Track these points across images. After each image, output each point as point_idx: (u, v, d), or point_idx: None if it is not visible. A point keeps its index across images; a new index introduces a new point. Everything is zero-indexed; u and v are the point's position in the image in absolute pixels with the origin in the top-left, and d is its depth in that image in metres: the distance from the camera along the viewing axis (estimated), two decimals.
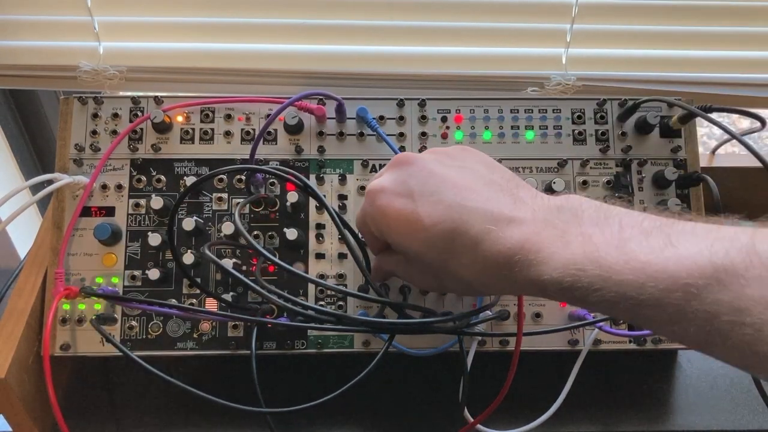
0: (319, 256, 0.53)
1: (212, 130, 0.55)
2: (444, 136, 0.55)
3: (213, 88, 0.68)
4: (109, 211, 0.53)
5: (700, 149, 0.57)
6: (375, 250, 0.46)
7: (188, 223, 0.51)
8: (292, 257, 0.53)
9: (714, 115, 0.52)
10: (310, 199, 0.53)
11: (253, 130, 0.55)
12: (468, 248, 0.34)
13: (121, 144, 0.54)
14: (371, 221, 0.41)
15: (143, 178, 0.54)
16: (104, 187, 0.53)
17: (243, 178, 0.53)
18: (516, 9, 0.66)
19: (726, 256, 0.26)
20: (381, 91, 0.67)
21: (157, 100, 0.55)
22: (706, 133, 1.52)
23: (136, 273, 0.52)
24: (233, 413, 0.45)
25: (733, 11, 0.66)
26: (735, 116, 0.64)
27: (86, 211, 0.53)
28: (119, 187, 0.54)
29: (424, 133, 0.55)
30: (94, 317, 0.51)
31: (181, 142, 0.55)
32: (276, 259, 0.41)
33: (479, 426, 0.50)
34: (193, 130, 0.55)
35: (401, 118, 0.55)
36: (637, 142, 0.55)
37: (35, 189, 0.52)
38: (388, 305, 0.48)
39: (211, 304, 0.52)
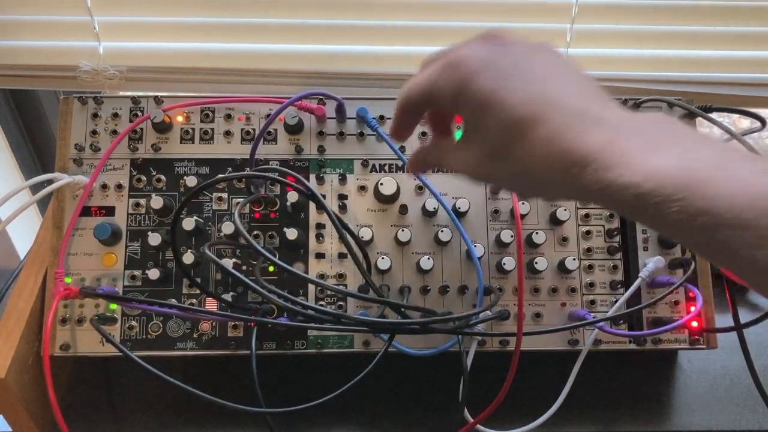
0: (319, 256, 0.53)
1: (212, 130, 0.55)
2: None
3: (213, 88, 0.68)
4: (109, 211, 0.53)
5: None
6: (401, 133, 0.42)
7: (188, 223, 0.51)
8: (292, 257, 0.53)
9: (714, 115, 0.52)
10: None
11: (253, 130, 0.55)
12: (545, 138, 0.32)
13: (121, 144, 0.54)
14: (445, 90, 0.37)
15: (143, 177, 0.54)
16: (104, 186, 0.53)
17: (243, 177, 0.53)
18: (516, 9, 0.66)
19: None
20: (381, 91, 0.67)
21: (157, 100, 0.55)
22: (706, 133, 1.52)
23: (136, 273, 0.52)
24: (233, 413, 0.45)
25: (733, 11, 0.66)
26: (735, 116, 0.63)
27: (86, 211, 0.53)
28: (119, 186, 0.54)
29: (424, 133, 0.55)
30: (94, 317, 0.51)
31: (181, 142, 0.55)
32: (276, 259, 0.41)
33: (479, 426, 0.50)
34: (193, 130, 0.55)
35: None
36: None
37: (35, 189, 0.52)
38: (388, 305, 0.48)
39: (211, 304, 0.52)
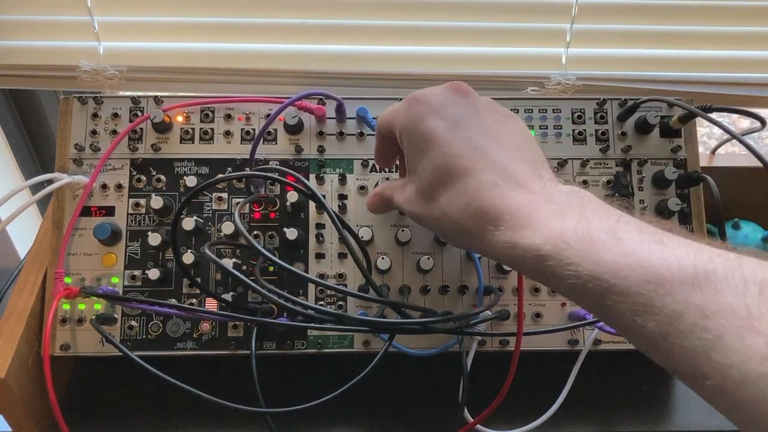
0: (319, 256, 0.53)
1: (212, 129, 0.55)
2: None
3: (213, 88, 0.68)
4: (109, 211, 0.53)
5: (700, 149, 0.57)
6: (382, 159, 0.47)
7: (188, 223, 0.51)
8: (292, 257, 0.53)
9: (714, 115, 0.52)
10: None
11: (253, 130, 0.55)
12: (470, 189, 0.35)
13: (121, 144, 0.54)
14: (399, 124, 0.40)
15: (143, 177, 0.54)
16: (104, 186, 0.53)
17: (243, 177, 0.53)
18: (516, 9, 0.66)
19: (710, 262, 0.26)
20: (381, 91, 0.67)
21: (157, 100, 0.55)
22: (706, 133, 1.52)
23: (136, 273, 0.52)
24: (233, 413, 0.45)
25: (733, 11, 0.66)
26: (735, 116, 0.63)
27: (86, 211, 0.53)
28: (119, 186, 0.54)
29: None
30: (94, 317, 0.51)
31: (181, 142, 0.55)
32: (276, 259, 0.41)
33: (479, 426, 0.50)
34: (193, 129, 0.55)
35: None
36: (637, 142, 0.55)
37: (35, 189, 0.52)
38: (388, 305, 0.48)
39: (211, 304, 0.52)
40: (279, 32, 0.66)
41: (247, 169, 0.52)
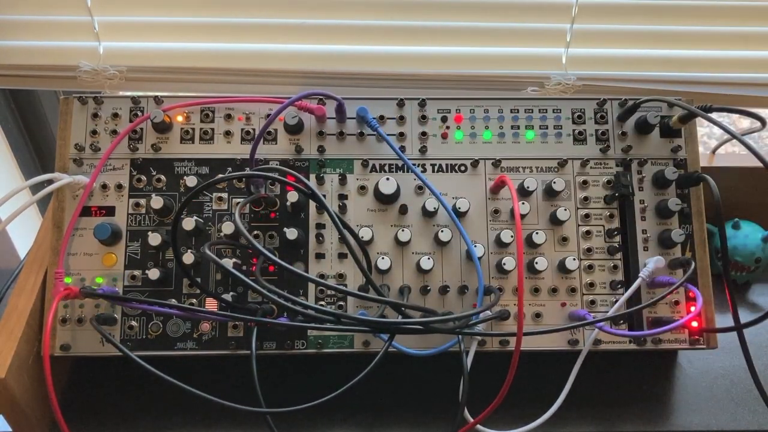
0: (319, 256, 0.53)
1: (212, 130, 0.55)
2: (444, 136, 0.55)
3: (213, 88, 0.68)
4: (109, 211, 0.53)
5: (700, 149, 0.57)
6: None
7: (188, 223, 0.51)
8: (292, 257, 0.53)
9: (714, 115, 0.52)
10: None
11: (253, 130, 0.55)
12: None
13: (121, 144, 0.54)
14: None
15: (143, 177, 0.54)
16: (104, 186, 0.53)
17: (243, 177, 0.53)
18: (516, 9, 0.66)
19: None
20: (381, 91, 0.67)
21: (157, 100, 0.55)
22: (706, 133, 1.52)
23: (136, 273, 0.52)
24: (233, 413, 0.45)
25: (733, 11, 0.66)
26: (735, 116, 0.63)
27: (86, 211, 0.53)
28: (119, 186, 0.54)
29: (424, 133, 0.55)
30: (94, 317, 0.51)
31: (181, 142, 0.55)
32: (276, 259, 0.41)
33: (479, 426, 0.49)
34: (193, 130, 0.55)
35: (401, 118, 0.55)
36: (637, 142, 0.55)
37: (35, 189, 0.52)
38: (388, 305, 0.48)
39: (211, 304, 0.52)
40: (279, 32, 0.66)
41: (247, 169, 0.52)
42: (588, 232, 0.54)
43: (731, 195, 0.55)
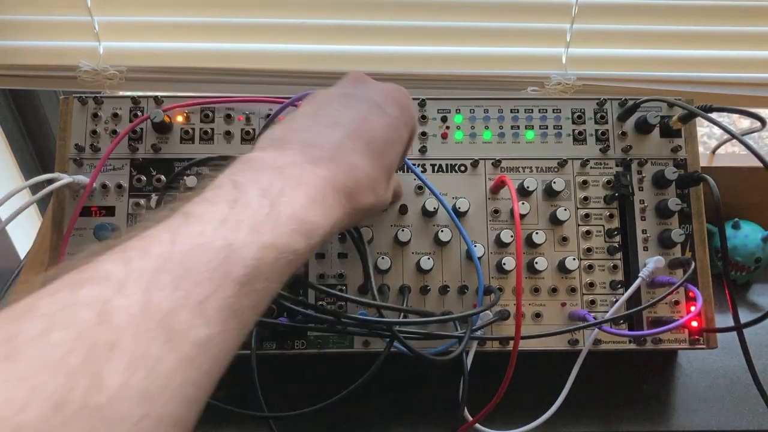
0: (319, 256, 0.53)
1: (212, 130, 0.55)
2: (444, 136, 0.55)
3: (213, 88, 0.68)
4: (109, 211, 0.53)
5: (700, 149, 0.57)
6: None
7: None
8: None
9: (714, 115, 0.52)
10: None
11: (253, 130, 0.55)
12: None
13: (121, 144, 0.54)
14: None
15: (143, 177, 0.54)
16: (104, 186, 0.53)
17: None
18: (516, 9, 0.66)
19: None
20: None
21: (157, 100, 0.55)
22: (706, 133, 1.52)
23: None
24: (233, 414, 0.45)
25: (733, 11, 0.66)
26: (735, 116, 0.63)
27: (86, 211, 0.53)
28: (119, 186, 0.53)
29: (424, 133, 0.55)
30: None
31: (181, 142, 0.55)
32: None
33: (478, 425, 0.49)
34: (193, 130, 0.55)
35: None
36: (637, 142, 0.55)
37: (35, 189, 0.52)
38: (388, 309, 0.48)
39: None
40: (279, 32, 0.66)
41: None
42: (588, 232, 0.54)
43: (731, 195, 0.55)
